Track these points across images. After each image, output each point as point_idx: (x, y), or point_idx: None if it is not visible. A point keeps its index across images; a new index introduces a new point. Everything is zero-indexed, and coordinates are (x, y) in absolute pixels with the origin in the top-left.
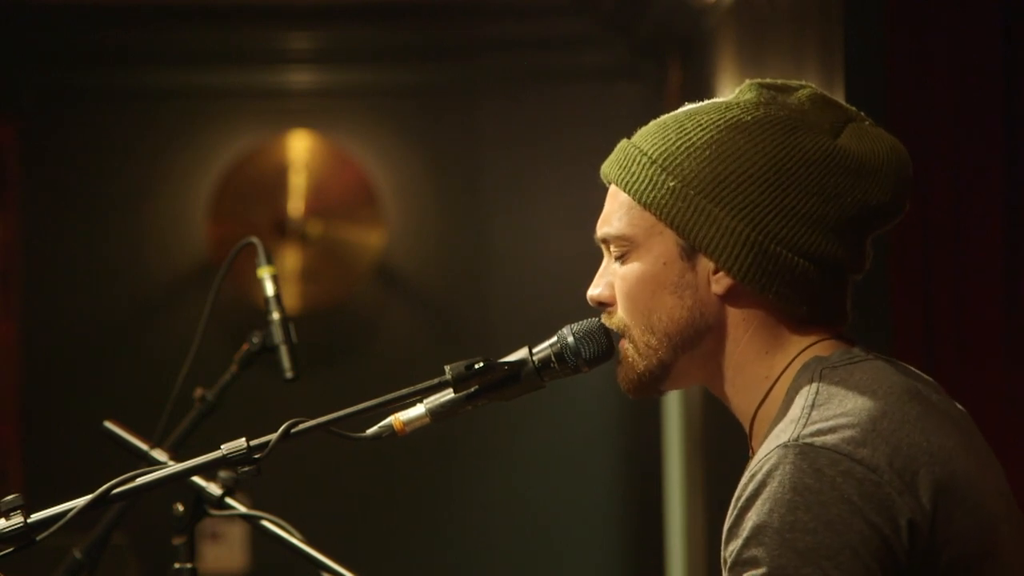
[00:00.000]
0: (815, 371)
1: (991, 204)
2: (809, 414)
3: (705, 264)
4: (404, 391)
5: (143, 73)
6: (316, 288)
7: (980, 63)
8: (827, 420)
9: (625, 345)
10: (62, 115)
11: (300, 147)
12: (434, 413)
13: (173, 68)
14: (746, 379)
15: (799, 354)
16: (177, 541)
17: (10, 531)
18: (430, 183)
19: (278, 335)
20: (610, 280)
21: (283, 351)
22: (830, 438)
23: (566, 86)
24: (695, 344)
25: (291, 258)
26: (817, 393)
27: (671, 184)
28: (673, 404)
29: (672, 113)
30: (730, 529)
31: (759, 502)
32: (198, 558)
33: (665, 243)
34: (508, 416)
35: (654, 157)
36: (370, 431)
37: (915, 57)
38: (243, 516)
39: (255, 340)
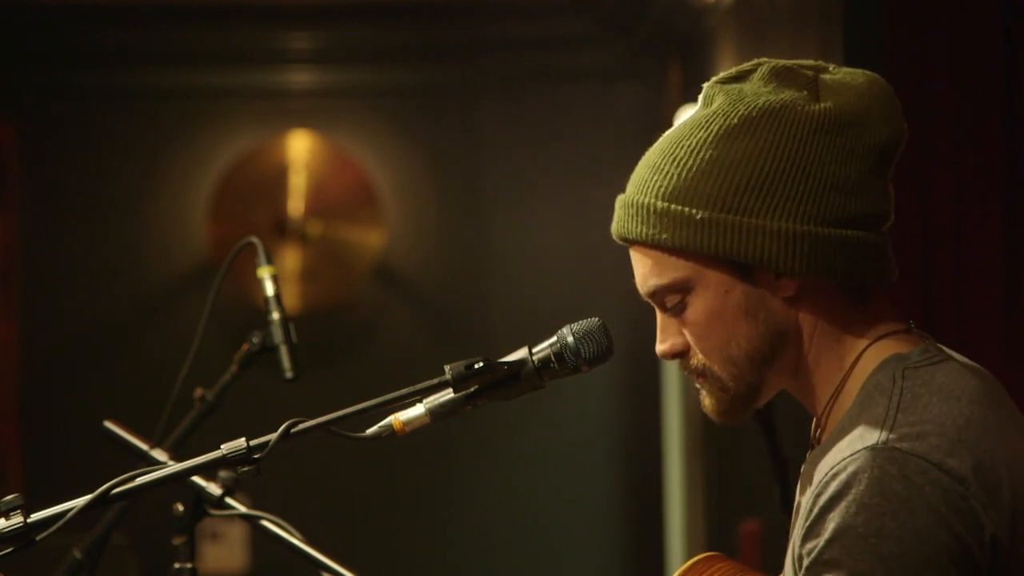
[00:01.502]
0: (897, 370)
1: (991, 204)
2: (895, 417)
3: (765, 275)
4: (404, 391)
5: (143, 73)
6: (316, 288)
7: (980, 63)
8: (914, 425)
9: (703, 383)
10: (62, 115)
11: (300, 147)
12: (434, 413)
13: (173, 68)
14: (822, 372)
15: (872, 343)
16: (177, 541)
17: (10, 531)
18: (430, 183)
19: (278, 335)
20: (674, 330)
21: (283, 351)
22: (919, 445)
23: (566, 86)
24: (777, 356)
25: (291, 258)
26: (902, 395)
27: (698, 216)
28: (673, 403)
29: (653, 152)
30: (809, 527)
31: (844, 503)
32: (198, 558)
33: (719, 272)
34: (508, 416)
35: (667, 199)
36: (370, 431)
37: (915, 57)
38: (243, 516)
39: (255, 340)
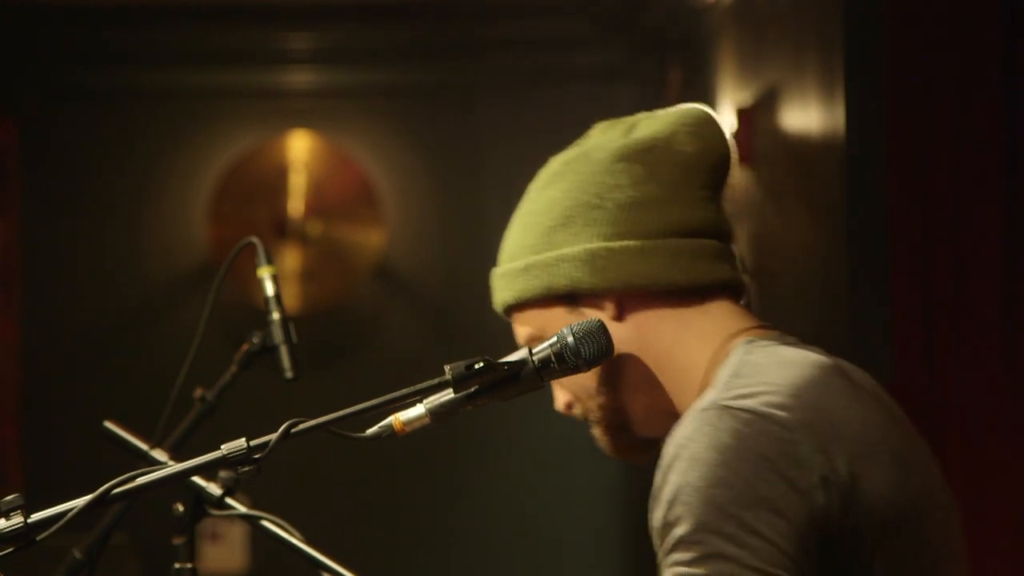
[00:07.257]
0: (743, 347)
1: (991, 204)
2: (729, 381)
3: (588, 302)
4: (404, 391)
5: (143, 73)
6: (316, 288)
7: (980, 63)
8: (746, 387)
9: (593, 427)
10: (62, 115)
11: (300, 147)
12: (434, 413)
13: (173, 68)
14: (678, 378)
15: (730, 339)
16: (177, 541)
17: (10, 531)
18: (430, 183)
19: (278, 335)
20: (558, 385)
21: (283, 351)
22: (748, 401)
23: (566, 86)
24: (619, 374)
25: (291, 258)
26: (741, 364)
27: (516, 267)
28: None
29: None
30: (654, 496)
31: (679, 464)
32: (198, 558)
33: (555, 314)
34: (508, 416)
35: (503, 262)
36: (370, 431)
37: (916, 57)
38: (243, 516)
39: (255, 340)
